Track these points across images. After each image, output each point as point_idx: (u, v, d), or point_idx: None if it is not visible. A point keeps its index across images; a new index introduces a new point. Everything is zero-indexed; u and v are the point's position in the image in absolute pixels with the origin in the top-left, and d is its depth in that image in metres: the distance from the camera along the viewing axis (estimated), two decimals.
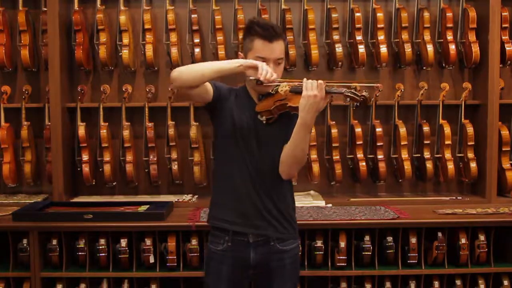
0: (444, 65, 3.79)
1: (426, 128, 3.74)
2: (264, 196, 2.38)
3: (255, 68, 2.29)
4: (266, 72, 2.27)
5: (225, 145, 2.42)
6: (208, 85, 2.36)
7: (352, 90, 2.20)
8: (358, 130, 3.73)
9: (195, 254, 3.22)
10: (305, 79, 2.24)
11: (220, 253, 2.42)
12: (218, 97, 2.39)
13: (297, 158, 2.33)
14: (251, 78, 2.32)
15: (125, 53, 3.65)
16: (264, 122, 2.37)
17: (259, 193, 2.38)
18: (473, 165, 3.72)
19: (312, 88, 2.20)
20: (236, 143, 2.38)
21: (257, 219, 2.38)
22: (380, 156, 3.74)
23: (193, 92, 2.33)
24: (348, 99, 2.21)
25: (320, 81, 2.20)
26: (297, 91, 2.29)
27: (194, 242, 3.22)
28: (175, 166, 3.71)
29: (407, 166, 3.72)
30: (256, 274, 2.43)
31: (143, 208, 3.38)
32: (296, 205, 2.56)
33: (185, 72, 2.30)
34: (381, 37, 3.69)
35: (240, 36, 3.61)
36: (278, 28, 2.40)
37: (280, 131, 2.37)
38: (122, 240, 3.24)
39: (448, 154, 3.73)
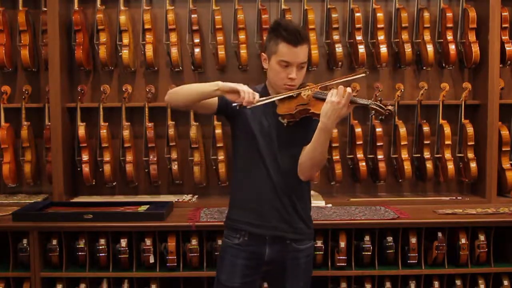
0: (444, 65, 3.78)
1: (426, 128, 3.74)
2: (284, 197, 2.39)
3: (233, 92, 2.27)
4: (248, 95, 2.24)
5: (244, 147, 2.42)
6: (212, 99, 2.36)
7: (377, 103, 2.15)
8: (358, 130, 3.73)
9: (195, 254, 3.22)
10: (333, 89, 2.21)
11: (236, 247, 2.43)
12: (224, 106, 2.37)
13: (317, 161, 2.33)
14: (234, 104, 2.28)
15: (125, 53, 3.65)
16: (285, 124, 2.35)
17: (279, 194, 2.38)
18: (473, 165, 3.72)
19: (337, 94, 2.17)
20: (256, 145, 2.37)
21: (276, 220, 2.39)
22: (380, 156, 3.74)
23: (193, 108, 2.34)
24: (373, 111, 2.15)
25: (346, 88, 2.17)
26: (321, 98, 2.27)
27: (194, 242, 3.22)
28: (175, 166, 3.71)
29: (407, 166, 3.72)
30: (270, 271, 2.45)
31: (143, 208, 3.38)
32: None
33: (176, 96, 2.41)
34: (381, 37, 3.69)
35: (240, 36, 3.62)
36: (304, 32, 2.37)
37: (300, 133, 2.36)
38: (122, 240, 3.24)
39: (448, 154, 3.73)
